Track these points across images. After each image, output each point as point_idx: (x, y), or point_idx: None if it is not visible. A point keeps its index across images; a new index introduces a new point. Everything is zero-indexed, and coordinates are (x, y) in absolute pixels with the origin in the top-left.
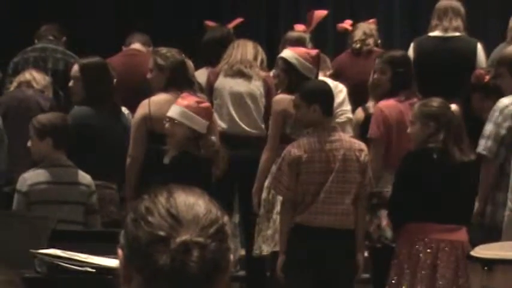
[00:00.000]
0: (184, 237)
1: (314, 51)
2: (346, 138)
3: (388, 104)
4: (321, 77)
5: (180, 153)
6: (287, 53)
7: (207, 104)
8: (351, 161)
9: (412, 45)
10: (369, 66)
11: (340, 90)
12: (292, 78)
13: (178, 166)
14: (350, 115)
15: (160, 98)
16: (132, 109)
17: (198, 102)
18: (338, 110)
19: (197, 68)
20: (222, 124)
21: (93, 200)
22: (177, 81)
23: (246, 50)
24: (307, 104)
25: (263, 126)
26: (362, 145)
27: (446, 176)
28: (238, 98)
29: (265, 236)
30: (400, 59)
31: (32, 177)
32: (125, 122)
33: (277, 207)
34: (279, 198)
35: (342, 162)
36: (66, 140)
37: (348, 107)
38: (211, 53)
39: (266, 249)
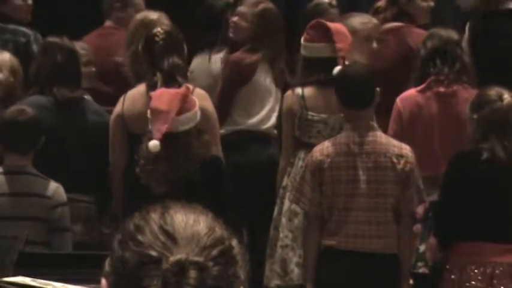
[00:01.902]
0: (179, 256)
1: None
2: (383, 141)
3: (406, 96)
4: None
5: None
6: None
7: (182, 91)
8: (385, 169)
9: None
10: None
11: None
12: (299, 64)
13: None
14: None
15: (136, 91)
16: (113, 103)
17: (172, 99)
18: None
19: (193, 51)
20: (246, 120)
21: (56, 215)
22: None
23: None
24: None
25: None
26: (404, 150)
27: (497, 182)
28: (269, 94)
29: (273, 263)
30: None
31: None
32: (89, 118)
33: (279, 229)
34: (282, 220)
35: (373, 171)
36: (21, 139)
37: None
38: (208, 33)
39: (274, 283)
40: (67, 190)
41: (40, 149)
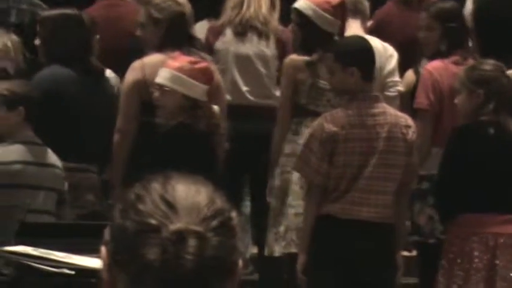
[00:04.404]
0: (179, 224)
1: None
2: (391, 111)
3: (439, 66)
4: (355, 30)
5: (175, 126)
6: (301, 3)
7: (204, 65)
8: (397, 139)
9: None
10: (419, 18)
11: (390, 55)
12: (308, 34)
13: (173, 142)
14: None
15: (156, 59)
16: (116, 74)
17: (192, 63)
18: (388, 80)
19: (196, 20)
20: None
21: (66, 187)
22: (176, 38)
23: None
24: (343, 66)
25: (277, 94)
26: (409, 120)
27: (504, 155)
28: (245, 62)
29: (277, 233)
30: (451, 11)
31: (1, 154)
32: (109, 89)
33: (290, 198)
34: (293, 187)
35: (386, 141)
36: (35, 113)
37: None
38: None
39: (278, 250)
40: (78, 160)
41: (58, 119)
